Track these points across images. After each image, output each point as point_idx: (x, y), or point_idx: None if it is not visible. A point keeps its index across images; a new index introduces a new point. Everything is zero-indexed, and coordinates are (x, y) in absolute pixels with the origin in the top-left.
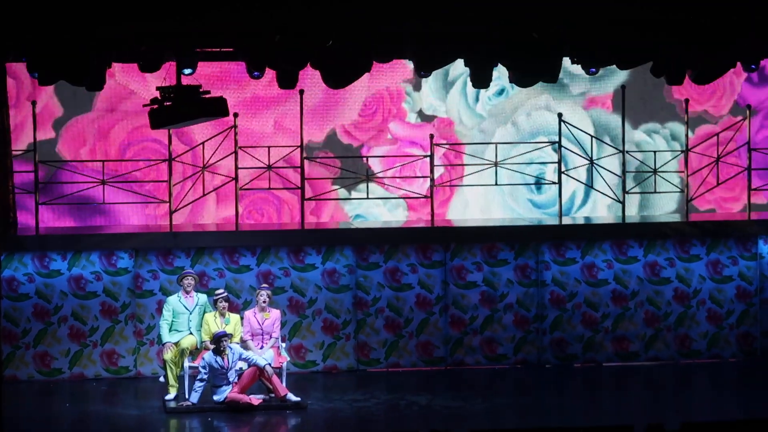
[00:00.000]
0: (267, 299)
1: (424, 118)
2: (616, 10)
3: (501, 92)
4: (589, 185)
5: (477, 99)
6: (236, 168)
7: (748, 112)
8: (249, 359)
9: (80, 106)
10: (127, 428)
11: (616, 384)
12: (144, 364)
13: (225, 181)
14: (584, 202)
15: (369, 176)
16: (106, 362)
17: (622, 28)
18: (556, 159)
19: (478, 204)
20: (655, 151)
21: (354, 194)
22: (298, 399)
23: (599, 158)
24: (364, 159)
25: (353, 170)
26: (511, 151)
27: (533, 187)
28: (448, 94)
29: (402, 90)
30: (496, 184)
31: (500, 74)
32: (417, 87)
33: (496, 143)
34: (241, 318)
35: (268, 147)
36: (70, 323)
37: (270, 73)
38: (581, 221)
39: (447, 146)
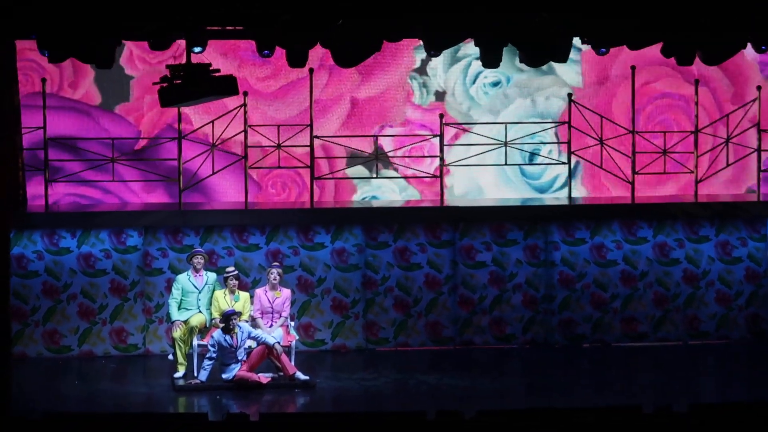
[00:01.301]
0: (278, 277)
1: (438, 96)
2: None
3: (496, 84)
4: (599, 165)
5: (474, 82)
6: (245, 146)
7: (759, 92)
8: (258, 337)
9: (119, 95)
10: (136, 406)
11: (624, 364)
12: (153, 342)
13: (234, 160)
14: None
15: (378, 155)
16: (115, 340)
17: (633, 8)
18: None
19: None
20: (665, 132)
21: (364, 174)
22: (307, 378)
23: (609, 138)
24: (376, 139)
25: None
26: (518, 132)
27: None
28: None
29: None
30: (506, 164)
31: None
32: (423, 71)
33: (506, 123)
34: (251, 296)
35: (278, 126)
36: (79, 301)
37: None
38: (591, 202)
39: (456, 126)
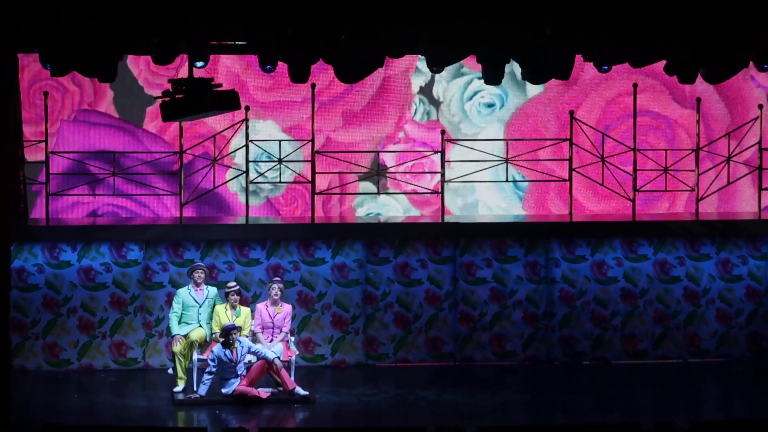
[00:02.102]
0: (279, 292)
1: (434, 103)
2: (629, 8)
3: (490, 105)
4: (600, 183)
5: (471, 98)
6: (246, 161)
7: (760, 111)
8: (258, 352)
9: (135, 115)
10: (135, 420)
11: (624, 382)
12: (153, 356)
13: (236, 174)
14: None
15: (380, 171)
16: (114, 353)
17: (635, 26)
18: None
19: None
20: (666, 150)
21: (364, 189)
22: (306, 393)
23: (610, 156)
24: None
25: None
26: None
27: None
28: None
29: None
30: (507, 181)
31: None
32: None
33: (507, 140)
34: (252, 311)
35: (279, 141)
36: (79, 314)
37: None
38: (592, 219)
39: (457, 142)
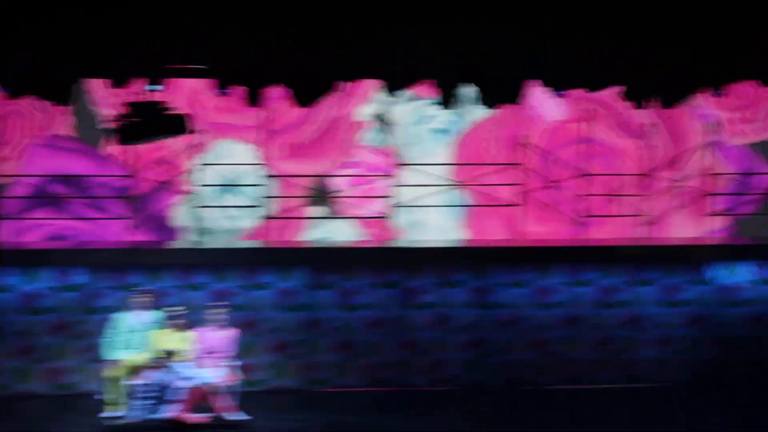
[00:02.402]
0: (223, 317)
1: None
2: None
3: (444, 131)
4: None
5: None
6: (194, 184)
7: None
8: (197, 377)
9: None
10: None
11: (563, 408)
12: (89, 381)
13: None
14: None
15: (327, 194)
16: (51, 379)
17: (591, 53)
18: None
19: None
20: (616, 174)
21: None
22: (246, 417)
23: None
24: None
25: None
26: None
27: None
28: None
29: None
30: (461, 205)
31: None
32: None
33: (461, 164)
34: (196, 335)
35: (229, 164)
36: (20, 339)
37: None
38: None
39: (408, 165)
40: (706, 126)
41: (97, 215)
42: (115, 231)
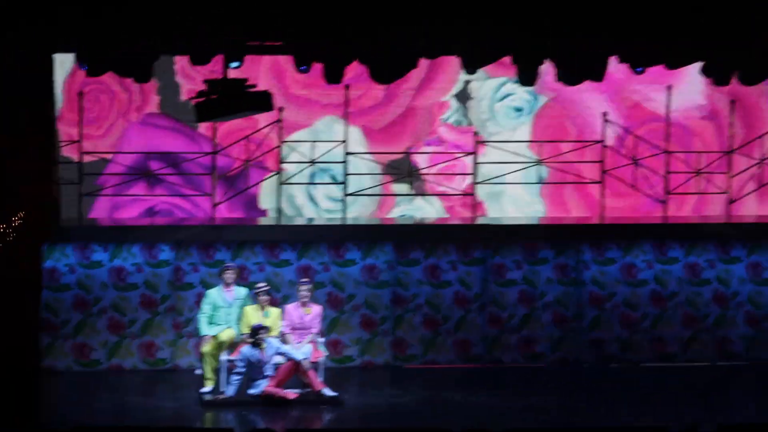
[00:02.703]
0: (308, 293)
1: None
2: (664, 9)
3: (519, 110)
4: (632, 185)
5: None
6: (279, 162)
7: None
8: (286, 353)
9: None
10: (164, 420)
11: (653, 385)
12: (181, 357)
13: (268, 175)
14: None
15: (411, 172)
16: (144, 354)
17: (671, 27)
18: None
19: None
20: (698, 152)
21: (397, 190)
22: (334, 394)
23: (642, 158)
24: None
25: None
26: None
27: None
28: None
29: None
30: (539, 182)
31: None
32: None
33: (540, 141)
34: (281, 312)
35: (312, 141)
36: (109, 315)
37: None
38: (621, 221)
39: (489, 142)
40: None
41: (188, 192)
42: (205, 208)
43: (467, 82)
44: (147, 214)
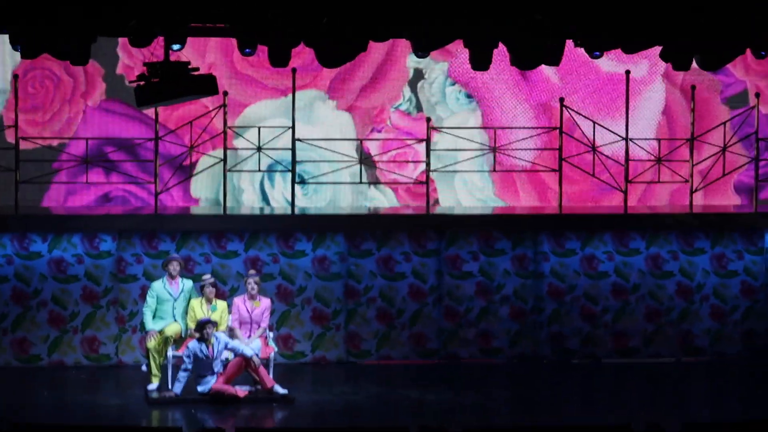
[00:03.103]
0: (255, 286)
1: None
2: None
3: (470, 97)
4: (591, 174)
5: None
6: (225, 149)
7: (757, 99)
8: (235, 349)
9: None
10: (108, 418)
11: (615, 381)
12: (126, 352)
13: (213, 163)
14: None
15: (363, 159)
16: (86, 349)
17: (629, 11)
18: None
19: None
20: (659, 139)
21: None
22: (285, 391)
23: (602, 145)
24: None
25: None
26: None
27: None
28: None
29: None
30: (494, 171)
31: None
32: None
33: (495, 128)
34: (229, 305)
35: (258, 127)
36: (49, 308)
37: None
38: (581, 211)
39: (443, 130)
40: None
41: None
42: (162, 197)
43: (419, 66)
44: (102, 200)
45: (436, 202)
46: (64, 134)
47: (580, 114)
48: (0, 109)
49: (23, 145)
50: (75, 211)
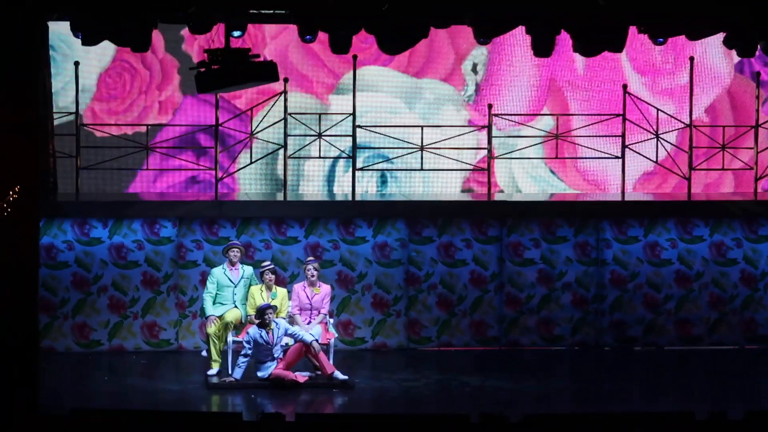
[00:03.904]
0: (315, 273)
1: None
2: None
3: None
4: (654, 161)
5: None
6: (285, 135)
7: None
8: (295, 334)
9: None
10: (168, 403)
11: (677, 369)
12: (186, 338)
13: (273, 149)
14: None
15: (423, 146)
16: (146, 335)
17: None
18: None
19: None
20: (723, 126)
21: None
22: (346, 377)
23: (665, 132)
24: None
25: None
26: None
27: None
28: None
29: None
30: (557, 158)
31: None
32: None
33: (557, 114)
34: (289, 292)
35: (319, 114)
36: (110, 293)
37: None
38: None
39: (504, 116)
40: None
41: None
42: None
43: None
44: (190, 183)
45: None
46: (141, 122)
47: (642, 100)
48: (83, 108)
49: (99, 134)
50: (135, 197)
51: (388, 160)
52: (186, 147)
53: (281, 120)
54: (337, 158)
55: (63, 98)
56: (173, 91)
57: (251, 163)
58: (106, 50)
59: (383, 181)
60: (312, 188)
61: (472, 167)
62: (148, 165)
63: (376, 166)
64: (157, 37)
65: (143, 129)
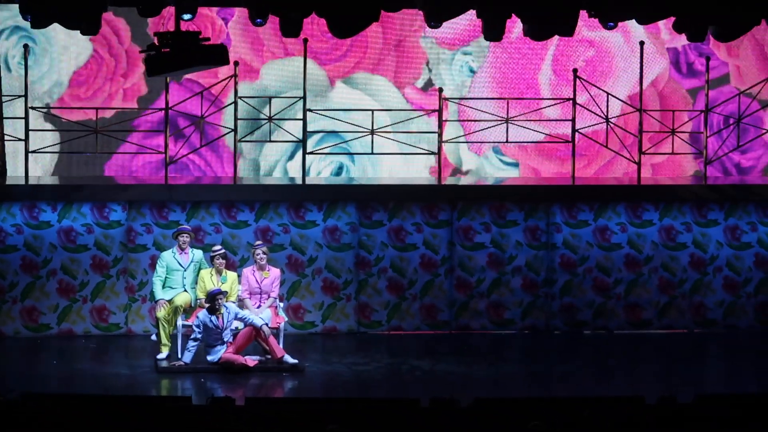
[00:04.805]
0: (264, 256)
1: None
2: None
3: (472, 71)
4: (604, 145)
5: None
6: (235, 119)
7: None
8: (245, 319)
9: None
10: (117, 388)
11: (627, 353)
12: (135, 322)
13: (223, 133)
14: None
15: (373, 130)
16: (95, 318)
17: None
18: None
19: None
20: (673, 111)
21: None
22: (296, 361)
23: (615, 117)
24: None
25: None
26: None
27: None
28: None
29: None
30: (507, 142)
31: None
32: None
33: (508, 98)
34: (239, 275)
35: (269, 98)
36: (59, 277)
37: None
38: (595, 182)
39: (456, 101)
40: None
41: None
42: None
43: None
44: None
45: (458, 171)
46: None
47: (593, 85)
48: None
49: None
50: (84, 181)
51: (344, 141)
52: (137, 130)
53: (231, 104)
54: (286, 142)
55: (39, 88)
56: (138, 78)
57: (200, 146)
58: (84, 48)
59: (339, 167)
60: (273, 172)
61: (425, 152)
62: (98, 149)
63: (325, 150)
64: (125, 28)
65: (108, 114)
